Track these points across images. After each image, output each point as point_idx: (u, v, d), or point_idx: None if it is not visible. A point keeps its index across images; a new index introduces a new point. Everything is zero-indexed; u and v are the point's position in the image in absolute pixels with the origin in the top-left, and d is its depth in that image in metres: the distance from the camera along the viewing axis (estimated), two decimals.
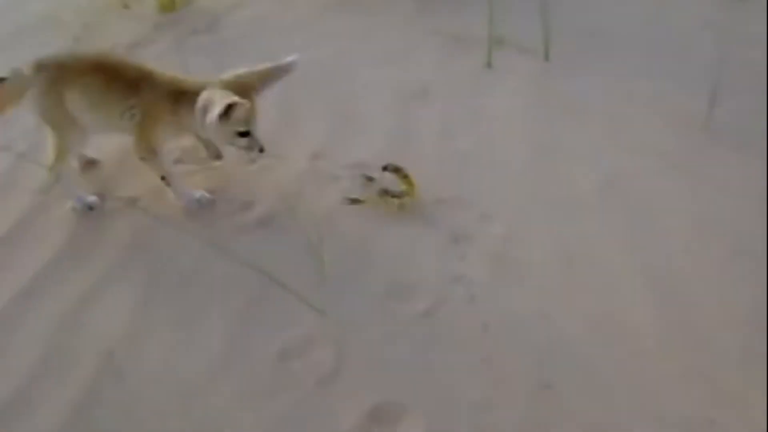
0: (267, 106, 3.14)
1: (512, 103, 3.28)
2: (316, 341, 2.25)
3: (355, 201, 2.77)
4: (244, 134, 2.60)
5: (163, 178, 2.77)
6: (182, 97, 2.59)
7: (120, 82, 2.63)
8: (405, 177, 2.76)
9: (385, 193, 2.75)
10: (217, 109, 2.44)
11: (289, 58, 2.66)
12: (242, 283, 2.46)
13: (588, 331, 2.25)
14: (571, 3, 3.90)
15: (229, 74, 2.62)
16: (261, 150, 2.65)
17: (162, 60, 3.81)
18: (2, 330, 2.38)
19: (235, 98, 2.45)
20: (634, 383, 2.09)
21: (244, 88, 2.57)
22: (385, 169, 2.81)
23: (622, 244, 2.55)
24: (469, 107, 3.28)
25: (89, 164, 3.05)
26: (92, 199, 2.84)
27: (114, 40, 4.15)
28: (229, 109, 2.45)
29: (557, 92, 3.33)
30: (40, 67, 2.66)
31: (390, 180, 2.80)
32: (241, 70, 2.64)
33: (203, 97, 2.51)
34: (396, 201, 2.72)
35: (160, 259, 2.60)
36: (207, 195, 2.80)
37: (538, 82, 3.42)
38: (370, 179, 2.86)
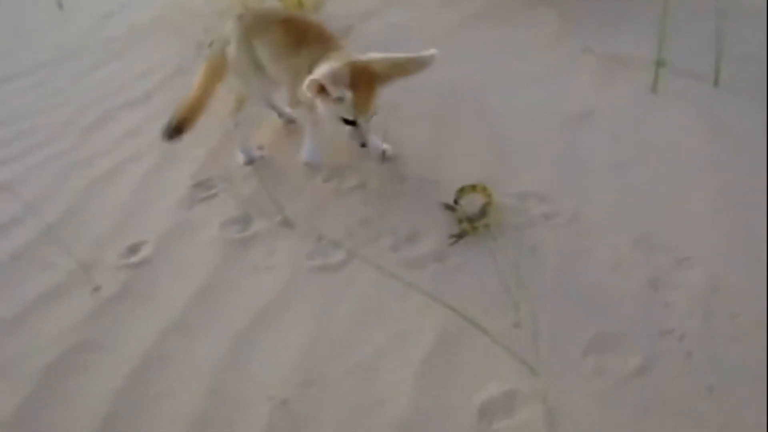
0: (418, 123, 2.93)
1: (684, 133, 2.99)
2: (523, 399, 2.00)
3: (460, 236, 2.53)
4: (348, 122, 2.48)
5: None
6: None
7: (301, 41, 2.66)
8: (484, 190, 2.61)
9: (469, 220, 2.53)
10: (305, 85, 2.39)
11: (428, 52, 2.47)
12: (426, 325, 2.22)
13: None
14: (738, 25, 3.58)
15: (362, 56, 2.49)
16: (362, 145, 2.56)
17: None
18: (156, 369, 2.16)
19: (320, 78, 2.37)
20: None
21: (368, 74, 2.45)
22: (461, 191, 2.62)
23: None
24: (638, 135, 3.00)
25: (289, 122, 3.24)
26: (257, 153, 3.02)
27: None
28: (319, 88, 2.38)
29: (731, 123, 3.03)
30: (239, 17, 2.82)
31: (468, 204, 2.61)
32: (377, 54, 2.50)
33: (317, 69, 2.46)
34: (480, 224, 2.52)
35: (324, 296, 2.38)
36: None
37: (709, 110, 3.12)
38: (451, 208, 2.63)
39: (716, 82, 3.26)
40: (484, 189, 2.58)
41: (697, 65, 3.33)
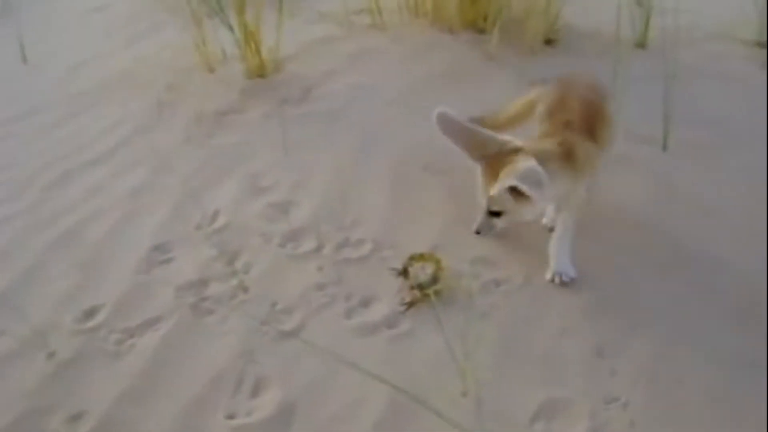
0: (376, 185, 2.99)
1: (635, 198, 3.07)
2: None
3: (410, 305, 2.57)
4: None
5: None
6: None
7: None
8: (431, 258, 2.65)
9: (420, 287, 2.58)
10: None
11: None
12: (376, 394, 2.25)
13: None
14: (687, 90, 3.70)
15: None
16: (477, 232, 2.62)
17: (258, 130, 3.68)
18: None
19: None
20: None
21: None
22: (411, 259, 2.67)
23: None
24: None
25: None
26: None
27: (201, 105, 4.02)
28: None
29: (682, 187, 3.12)
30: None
31: (420, 270, 2.65)
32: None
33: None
34: (431, 291, 2.55)
35: (277, 364, 2.42)
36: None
37: (658, 174, 3.22)
38: (402, 273, 2.66)
39: (665, 147, 3.36)
40: (432, 257, 2.63)
41: (646, 129, 3.43)
